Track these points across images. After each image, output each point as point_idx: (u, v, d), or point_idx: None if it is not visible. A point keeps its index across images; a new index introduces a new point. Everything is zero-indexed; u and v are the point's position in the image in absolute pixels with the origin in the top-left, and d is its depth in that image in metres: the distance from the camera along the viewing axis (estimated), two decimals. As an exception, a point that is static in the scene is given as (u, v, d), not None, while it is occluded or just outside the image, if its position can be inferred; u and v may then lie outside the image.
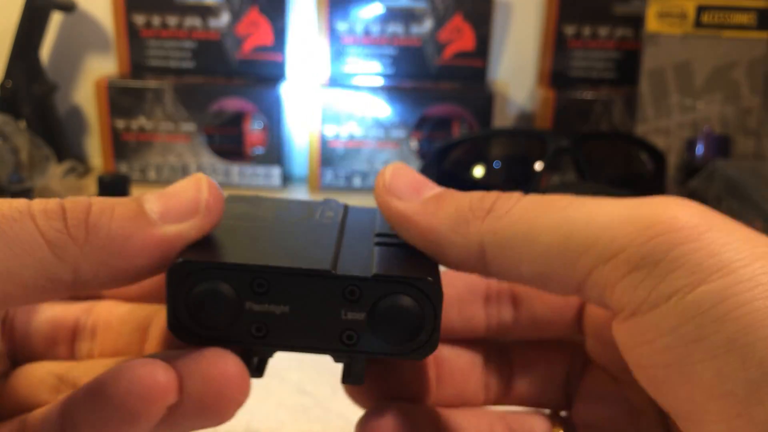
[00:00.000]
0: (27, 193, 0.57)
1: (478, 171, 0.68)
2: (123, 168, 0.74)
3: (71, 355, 0.23)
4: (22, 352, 0.22)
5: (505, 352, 0.24)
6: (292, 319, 0.18)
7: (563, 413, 0.23)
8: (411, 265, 0.19)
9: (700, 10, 0.70)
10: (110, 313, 0.22)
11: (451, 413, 0.22)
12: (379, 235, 0.21)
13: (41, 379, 0.21)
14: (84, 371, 0.21)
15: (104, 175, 0.57)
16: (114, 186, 0.56)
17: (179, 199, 0.18)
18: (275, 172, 0.74)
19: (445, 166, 0.67)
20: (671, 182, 0.71)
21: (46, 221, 0.16)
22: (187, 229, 0.18)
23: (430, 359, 0.22)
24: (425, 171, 0.67)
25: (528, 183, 0.64)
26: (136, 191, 0.58)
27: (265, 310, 0.18)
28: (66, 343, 0.23)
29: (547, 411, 0.24)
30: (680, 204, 0.16)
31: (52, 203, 0.17)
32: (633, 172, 0.69)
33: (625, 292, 0.15)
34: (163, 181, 0.74)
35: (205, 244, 0.19)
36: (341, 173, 0.74)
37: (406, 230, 0.20)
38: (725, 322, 0.14)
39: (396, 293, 0.18)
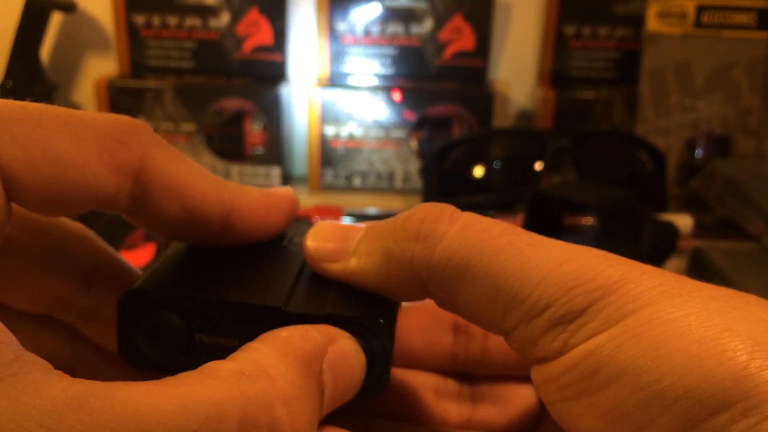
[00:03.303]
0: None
1: (478, 171, 0.68)
2: (123, 168, 0.74)
3: None
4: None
5: (471, 381, 0.24)
6: None
7: None
8: (366, 302, 0.19)
9: (700, 10, 0.70)
10: None
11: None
12: None
13: None
14: None
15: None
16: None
17: (339, 401, 0.18)
18: (275, 172, 0.74)
19: (445, 166, 0.67)
20: (671, 182, 0.71)
21: None
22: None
23: None
24: (425, 171, 0.67)
25: (528, 183, 0.64)
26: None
27: (215, 342, 0.18)
28: None
29: None
30: (603, 260, 0.16)
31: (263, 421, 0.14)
32: (633, 172, 0.69)
33: (544, 346, 0.16)
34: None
35: (165, 270, 0.19)
36: (341, 173, 0.74)
37: (352, 284, 0.19)
38: (619, 353, 0.15)
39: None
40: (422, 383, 0.23)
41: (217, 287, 0.18)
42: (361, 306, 0.19)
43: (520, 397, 0.23)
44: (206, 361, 0.17)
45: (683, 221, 0.60)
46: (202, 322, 0.18)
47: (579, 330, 0.16)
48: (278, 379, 0.15)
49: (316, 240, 0.20)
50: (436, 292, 0.18)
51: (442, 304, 0.19)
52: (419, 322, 0.23)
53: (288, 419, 0.14)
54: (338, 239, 0.20)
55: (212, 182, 0.19)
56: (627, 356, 0.15)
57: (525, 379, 0.23)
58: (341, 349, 0.17)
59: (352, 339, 0.17)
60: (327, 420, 0.18)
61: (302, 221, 0.23)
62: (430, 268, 0.18)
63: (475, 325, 0.23)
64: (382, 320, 0.18)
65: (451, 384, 0.24)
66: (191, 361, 0.18)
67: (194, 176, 0.19)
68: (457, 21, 0.75)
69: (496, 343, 0.23)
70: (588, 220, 0.59)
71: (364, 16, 0.75)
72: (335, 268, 0.20)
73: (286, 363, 0.15)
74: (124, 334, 0.18)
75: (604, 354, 0.15)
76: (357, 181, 0.75)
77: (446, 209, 0.18)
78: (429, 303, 0.23)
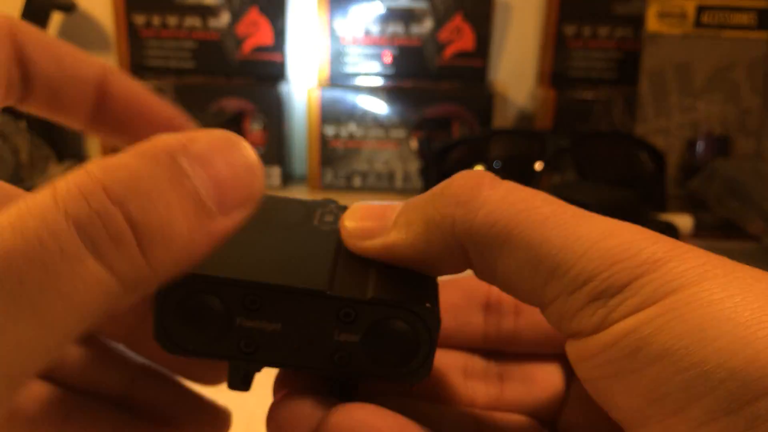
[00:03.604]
0: (27, 193, 0.57)
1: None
2: (123, 168, 0.74)
3: None
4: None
5: (500, 359, 0.24)
6: (284, 337, 0.18)
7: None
8: (409, 286, 0.19)
9: (700, 10, 0.70)
10: None
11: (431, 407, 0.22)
12: None
13: None
14: None
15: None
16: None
17: (236, 188, 0.17)
18: (275, 172, 0.74)
19: (445, 166, 0.67)
20: (671, 182, 0.71)
21: (111, 250, 0.14)
22: (239, 219, 0.17)
23: None
24: (425, 171, 0.67)
25: (528, 183, 0.64)
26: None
27: (256, 326, 0.18)
28: None
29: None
30: (647, 236, 0.16)
31: (95, 207, 0.14)
32: (633, 172, 0.69)
33: (582, 320, 0.16)
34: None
35: None
36: (341, 173, 0.74)
37: (393, 261, 0.19)
38: (661, 332, 0.15)
39: (392, 318, 0.18)
40: (451, 363, 0.23)
41: (255, 269, 0.18)
42: (404, 289, 0.18)
43: (546, 375, 0.23)
44: (245, 346, 0.18)
45: (683, 221, 0.60)
46: (244, 305, 0.18)
47: (619, 306, 0.15)
48: (94, 170, 0.14)
49: (354, 219, 0.20)
50: (477, 260, 0.18)
51: (482, 273, 0.18)
52: (450, 301, 0.23)
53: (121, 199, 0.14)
54: (376, 217, 0.20)
55: (86, 54, 0.21)
56: (671, 336, 0.15)
57: (552, 357, 0.23)
58: (210, 140, 0.16)
59: (236, 142, 0.16)
60: (366, 399, 0.18)
61: (329, 200, 0.23)
62: (472, 233, 0.17)
63: (506, 304, 0.23)
64: (428, 304, 0.18)
65: (478, 362, 0.23)
66: (230, 346, 0.18)
67: (70, 45, 0.20)
68: (457, 21, 0.75)
69: (527, 321, 0.23)
70: (588, 220, 0.59)
71: (364, 16, 0.75)
72: (374, 244, 0.19)
73: (122, 155, 0.15)
74: (160, 320, 0.18)
75: (647, 333, 0.15)
76: (357, 181, 0.75)
77: (486, 175, 0.18)
78: (460, 281, 0.22)
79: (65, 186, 0.14)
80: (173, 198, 0.15)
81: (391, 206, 0.20)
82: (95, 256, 0.14)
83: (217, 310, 0.17)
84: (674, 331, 0.14)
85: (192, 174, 0.15)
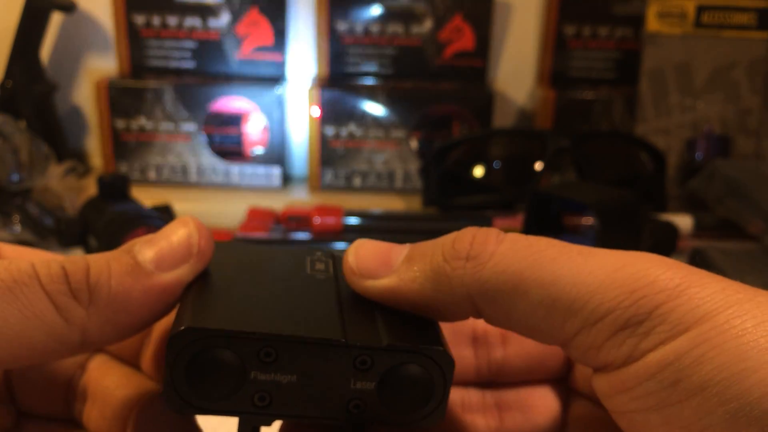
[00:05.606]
0: (27, 193, 0.57)
1: (478, 171, 0.68)
2: (123, 168, 0.74)
3: (68, 412, 0.23)
4: (21, 406, 0.23)
5: (493, 389, 0.24)
6: (299, 389, 0.18)
7: None
8: (417, 329, 0.19)
9: (700, 10, 0.70)
10: (99, 382, 0.22)
11: None
12: None
13: None
14: None
15: (104, 175, 0.57)
16: (114, 186, 0.56)
17: (171, 244, 0.19)
18: (275, 172, 0.74)
19: (445, 166, 0.67)
20: (671, 182, 0.71)
21: (52, 285, 0.17)
22: (184, 273, 0.19)
23: None
24: (425, 171, 0.67)
25: (528, 183, 0.64)
26: (136, 191, 0.58)
27: (271, 379, 0.17)
28: (61, 400, 0.23)
29: None
30: (660, 264, 0.16)
31: (54, 267, 0.17)
32: (633, 172, 0.69)
33: (610, 351, 0.16)
34: (163, 181, 0.74)
35: (205, 305, 0.18)
36: (341, 173, 0.74)
37: (395, 304, 0.19)
38: (701, 363, 0.15)
39: (407, 363, 0.18)
40: (449, 400, 0.23)
41: (267, 321, 0.18)
42: (415, 332, 0.18)
43: (541, 401, 0.23)
44: (258, 400, 0.18)
45: (683, 221, 0.60)
46: (259, 358, 0.17)
47: (649, 334, 0.15)
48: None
49: (358, 257, 0.20)
50: (488, 309, 0.18)
51: (494, 320, 0.18)
52: None
53: None
54: (380, 257, 0.20)
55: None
56: (711, 367, 0.15)
57: (543, 382, 0.23)
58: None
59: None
60: None
61: (314, 247, 0.23)
62: (482, 284, 0.18)
63: (493, 335, 0.23)
64: (440, 347, 0.18)
65: (474, 395, 0.23)
66: (243, 401, 0.17)
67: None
68: (457, 21, 0.75)
69: (516, 349, 0.23)
70: (588, 220, 0.59)
71: (364, 16, 0.75)
72: (376, 285, 0.19)
73: None
74: (172, 378, 0.17)
75: (686, 364, 0.15)
76: (357, 181, 0.75)
77: (492, 231, 0.19)
78: None
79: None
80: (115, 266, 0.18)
81: (396, 248, 0.20)
82: (41, 285, 0.17)
83: (231, 364, 0.17)
84: (714, 363, 0.15)
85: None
